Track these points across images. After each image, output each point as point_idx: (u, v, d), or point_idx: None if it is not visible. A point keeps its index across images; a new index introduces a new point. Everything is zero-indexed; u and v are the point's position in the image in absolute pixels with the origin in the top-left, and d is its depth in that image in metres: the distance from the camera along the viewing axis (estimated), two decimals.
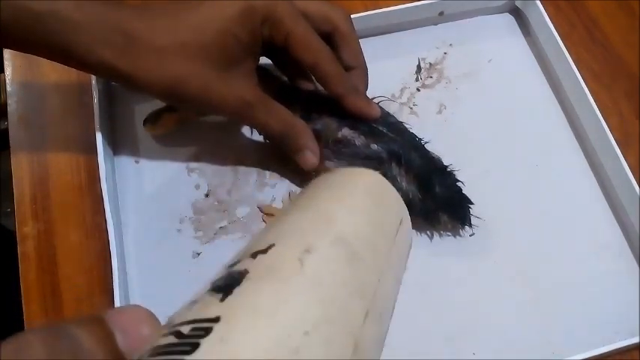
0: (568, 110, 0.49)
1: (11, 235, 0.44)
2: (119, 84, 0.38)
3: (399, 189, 0.41)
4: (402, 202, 0.30)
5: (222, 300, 0.19)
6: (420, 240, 0.44)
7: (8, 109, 0.48)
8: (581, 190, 0.46)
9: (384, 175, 0.40)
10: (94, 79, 0.45)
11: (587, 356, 0.38)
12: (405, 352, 0.40)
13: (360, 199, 0.28)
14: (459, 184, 0.42)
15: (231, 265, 0.22)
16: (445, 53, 0.52)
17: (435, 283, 0.42)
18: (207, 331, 0.17)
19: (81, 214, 0.44)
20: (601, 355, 0.38)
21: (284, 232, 0.24)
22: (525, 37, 0.53)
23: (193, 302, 0.20)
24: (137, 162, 0.46)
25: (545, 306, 0.41)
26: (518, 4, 0.53)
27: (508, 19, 0.54)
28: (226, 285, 0.20)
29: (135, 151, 0.46)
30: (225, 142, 0.47)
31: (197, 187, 0.45)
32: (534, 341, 0.40)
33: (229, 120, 0.47)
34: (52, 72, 0.50)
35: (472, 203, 0.42)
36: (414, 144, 0.42)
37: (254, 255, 0.22)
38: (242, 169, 0.46)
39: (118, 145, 0.46)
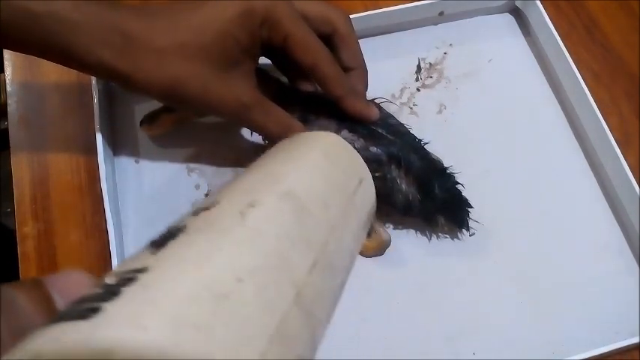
0: (568, 110, 0.49)
1: (11, 234, 0.44)
2: (118, 85, 0.38)
3: (398, 191, 0.41)
4: (363, 163, 0.31)
5: (154, 253, 0.19)
6: (419, 240, 0.44)
7: (8, 109, 0.48)
8: (581, 190, 0.46)
9: (384, 177, 0.41)
10: (94, 79, 0.45)
11: (587, 356, 0.38)
12: (405, 352, 0.40)
13: (314, 159, 0.28)
14: (458, 186, 0.42)
15: (173, 224, 0.22)
16: (445, 53, 0.52)
17: (435, 283, 0.42)
18: (131, 280, 0.17)
19: (81, 214, 0.44)
20: (601, 355, 0.38)
21: (231, 191, 0.24)
22: (525, 37, 0.53)
23: (128, 258, 0.20)
24: (137, 162, 0.46)
25: (545, 306, 0.41)
26: (518, 4, 0.53)
27: (508, 19, 0.54)
28: (162, 239, 0.20)
29: (135, 151, 0.46)
30: (225, 142, 0.47)
31: (197, 187, 0.45)
32: (534, 341, 0.40)
33: (228, 120, 0.47)
34: (52, 72, 0.50)
35: (471, 207, 0.42)
36: (414, 145, 0.42)
37: (196, 212, 0.22)
38: (242, 169, 0.46)
39: (118, 145, 0.46)
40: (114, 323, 0.16)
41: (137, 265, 0.18)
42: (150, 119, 0.45)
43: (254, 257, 0.20)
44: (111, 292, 0.17)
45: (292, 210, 0.24)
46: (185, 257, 0.19)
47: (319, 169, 0.28)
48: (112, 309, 0.16)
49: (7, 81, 0.49)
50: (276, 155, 0.29)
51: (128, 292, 0.17)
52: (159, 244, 0.20)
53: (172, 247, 0.20)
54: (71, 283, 0.18)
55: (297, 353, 0.21)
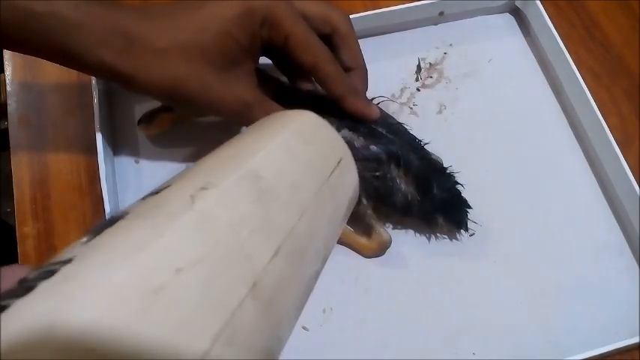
0: (568, 110, 0.49)
1: (12, 230, 0.44)
2: (119, 85, 0.38)
3: (397, 190, 0.41)
4: (343, 143, 0.29)
5: (87, 242, 0.18)
6: (419, 240, 0.44)
7: (8, 109, 0.48)
8: (581, 190, 0.46)
9: (384, 176, 0.41)
10: (94, 79, 0.45)
11: (587, 356, 0.38)
12: (405, 352, 0.40)
13: (285, 138, 0.26)
14: (458, 186, 0.42)
15: (118, 211, 0.20)
16: (445, 53, 0.52)
17: (435, 283, 0.42)
18: (51, 273, 0.16)
19: (81, 214, 0.44)
20: (601, 355, 0.38)
21: (187, 174, 0.23)
22: (525, 37, 0.53)
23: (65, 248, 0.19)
24: (137, 162, 0.46)
25: (545, 306, 0.41)
26: (518, 4, 0.53)
27: (508, 19, 0.54)
28: (100, 227, 0.19)
29: (135, 151, 0.46)
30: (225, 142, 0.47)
31: None
32: (534, 341, 0.40)
33: (229, 120, 0.47)
34: (52, 72, 0.50)
35: (470, 207, 0.42)
36: (414, 145, 0.42)
37: (144, 197, 0.21)
38: None
39: (118, 145, 0.46)
40: (15, 323, 0.14)
41: (64, 256, 0.17)
42: (148, 118, 0.45)
43: (201, 245, 0.19)
44: (25, 289, 0.15)
45: (253, 192, 0.22)
46: (115, 246, 0.18)
47: (290, 148, 0.26)
48: (19, 306, 0.15)
49: (7, 81, 0.49)
50: (246, 135, 0.27)
51: (43, 288, 0.15)
52: (96, 232, 0.18)
53: (106, 235, 0.18)
54: (10, 276, 0.17)
55: (254, 349, 0.19)
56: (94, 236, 0.18)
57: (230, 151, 0.25)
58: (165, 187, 0.21)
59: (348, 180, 0.29)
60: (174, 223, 0.19)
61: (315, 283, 0.26)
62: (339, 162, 0.28)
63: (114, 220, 0.19)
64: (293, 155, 0.26)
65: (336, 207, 0.27)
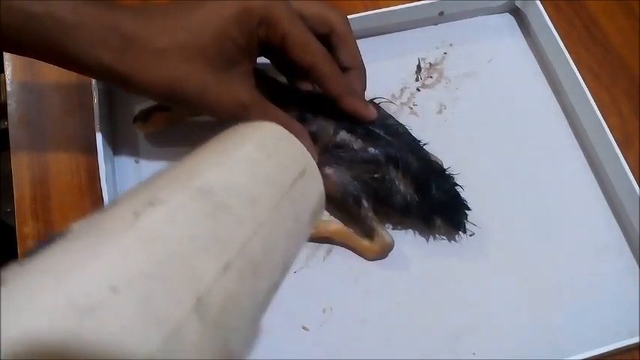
0: (568, 110, 0.49)
1: (12, 230, 0.44)
2: (117, 86, 0.38)
3: (396, 192, 0.41)
4: (307, 153, 0.29)
5: (21, 264, 0.18)
6: (420, 241, 0.44)
7: (8, 109, 0.48)
8: (581, 190, 0.46)
9: (382, 178, 0.41)
10: (93, 79, 0.45)
11: (587, 356, 0.38)
12: (406, 352, 0.40)
13: (244, 152, 0.26)
14: (457, 188, 0.42)
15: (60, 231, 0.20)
16: (445, 53, 0.52)
17: (435, 283, 0.42)
18: None
19: (81, 214, 0.44)
20: (601, 355, 0.38)
21: (138, 189, 0.22)
22: (525, 37, 0.53)
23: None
24: (137, 162, 0.46)
25: (545, 306, 0.41)
26: (518, 4, 0.53)
27: (508, 19, 0.54)
28: (37, 248, 0.18)
29: (135, 151, 0.46)
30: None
31: None
32: (534, 341, 0.40)
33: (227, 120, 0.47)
34: (52, 72, 0.49)
35: (469, 209, 0.42)
36: (412, 146, 0.42)
37: (91, 215, 0.20)
38: None
39: (118, 145, 0.46)
40: None
41: None
42: (143, 117, 0.45)
43: (141, 264, 0.18)
44: None
45: (204, 208, 0.22)
46: (49, 268, 0.17)
47: (247, 162, 0.26)
48: None
49: (7, 81, 0.49)
50: (205, 149, 0.27)
51: None
52: (32, 253, 0.18)
53: (42, 255, 0.18)
54: None
55: None
56: (30, 257, 0.18)
57: (185, 165, 0.25)
58: (114, 204, 0.21)
59: (312, 190, 0.28)
60: (112, 242, 0.19)
61: (273, 294, 0.25)
62: (301, 173, 0.28)
63: (53, 239, 0.19)
64: (252, 169, 0.25)
65: (297, 219, 0.27)
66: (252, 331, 0.23)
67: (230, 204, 0.23)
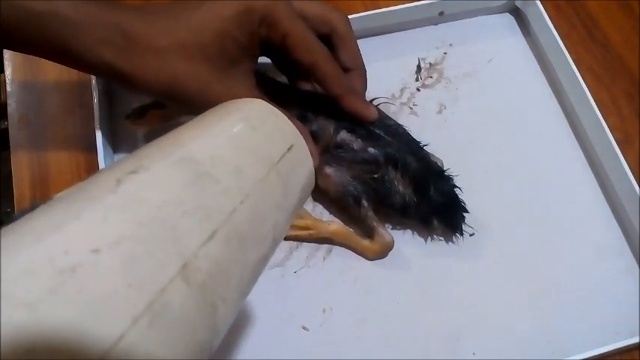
0: (568, 110, 0.49)
1: None
2: (118, 84, 0.38)
3: (395, 192, 0.41)
4: (295, 130, 0.29)
5: (5, 227, 0.18)
6: (420, 241, 0.44)
7: (8, 109, 0.48)
8: (581, 190, 0.46)
9: (381, 178, 0.41)
10: (94, 79, 0.45)
11: (587, 356, 0.38)
12: (405, 352, 0.40)
13: (229, 124, 0.27)
14: (456, 190, 0.42)
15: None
16: (445, 53, 0.52)
17: (435, 283, 0.42)
18: None
19: None
20: (601, 355, 0.38)
21: (122, 160, 0.23)
22: (525, 37, 0.53)
23: None
24: None
25: (545, 306, 0.41)
26: (518, 4, 0.53)
27: (508, 19, 0.54)
28: (21, 213, 0.19)
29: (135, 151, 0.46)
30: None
31: None
32: (534, 341, 0.40)
33: None
34: (52, 72, 0.50)
35: (467, 212, 0.42)
36: (412, 147, 0.42)
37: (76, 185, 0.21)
38: None
39: (117, 144, 0.46)
40: None
41: None
42: (137, 114, 0.45)
43: (123, 226, 0.19)
44: None
45: (189, 176, 0.22)
46: (29, 229, 0.18)
47: (233, 134, 0.26)
48: None
49: (7, 81, 0.49)
50: (191, 123, 0.27)
51: None
52: (16, 218, 0.19)
53: (24, 219, 0.18)
54: None
55: (184, 333, 0.19)
56: (14, 221, 0.18)
57: (171, 137, 0.25)
58: (95, 174, 0.21)
59: (301, 166, 0.29)
60: (93, 205, 0.19)
61: (262, 268, 0.25)
62: (289, 148, 0.28)
63: (37, 205, 0.19)
64: (237, 141, 0.26)
65: (286, 193, 0.27)
66: (237, 304, 0.23)
67: (215, 173, 0.23)
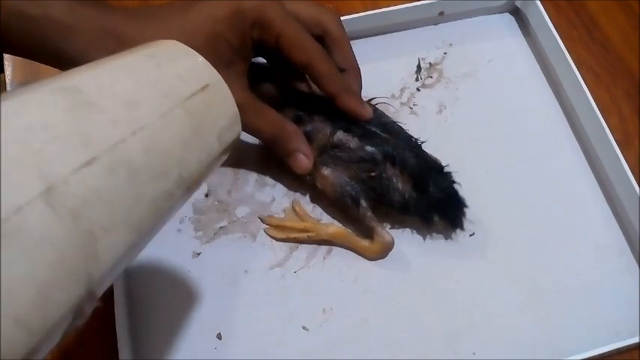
0: (568, 110, 0.49)
1: None
2: None
3: (394, 189, 0.41)
4: (213, 71, 0.29)
5: None
6: (419, 240, 0.44)
7: None
8: (581, 190, 0.46)
9: (379, 176, 0.41)
10: None
11: (587, 356, 0.38)
12: (405, 352, 0.40)
13: (130, 59, 0.27)
14: (455, 185, 0.42)
15: None
16: (445, 53, 0.52)
17: (435, 283, 0.42)
18: None
19: None
20: (601, 355, 0.38)
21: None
22: (525, 37, 0.53)
23: None
24: None
25: (545, 306, 0.41)
26: (518, 4, 0.53)
27: (508, 19, 0.54)
28: None
29: None
30: None
31: None
32: (534, 341, 0.40)
33: None
34: (52, 72, 0.49)
35: (466, 206, 0.42)
36: (409, 144, 0.42)
37: None
38: (242, 169, 0.46)
39: None
40: None
41: None
42: None
43: None
44: None
45: (66, 104, 0.22)
46: None
47: (131, 68, 0.26)
48: None
49: (7, 81, 0.49)
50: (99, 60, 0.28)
51: None
52: None
53: None
54: None
55: (45, 254, 0.19)
56: None
57: (66, 74, 0.26)
58: None
59: (218, 106, 0.29)
60: None
61: (167, 205, 0.25)
62: (203, 87, 0.28)
63: None
64: (135, 75, 0.26)
65: (196, 131, 0.27)
66: (134, 236, 0.23)
67: (100, 103, 0.23)
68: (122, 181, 0.22)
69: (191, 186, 0.27)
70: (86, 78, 0.24)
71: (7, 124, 0.20)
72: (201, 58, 0.29)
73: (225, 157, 0.31)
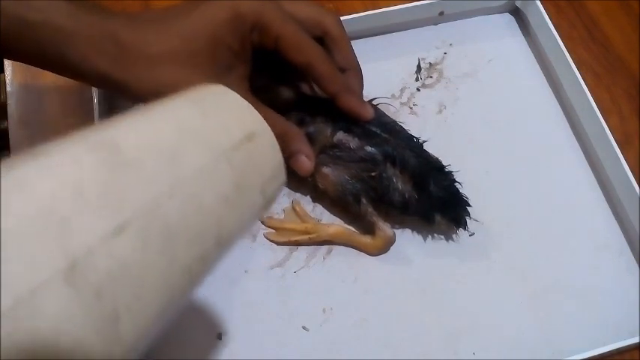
0: (568, 110, 0.49)
1: None
2: (114, 92, 0.38)
3: (395, 189, 0.41)
4: (259, 118, 0.27)
5: None
6: (420, 240, 0.44)
7: (8, 109, 0.48)
8: (581, 190, 0.46)
9: (380, 176, 0.41)
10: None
11: (587, 356, 0.38)
12: (405, 352, 0.40)
13: (172, 107, 0.25)
14: (456, 184, 0.42)
15: None
16: (445, 53, 0.52)
17: (435, 283, 0.42)
18: None
19: None
20: (601, 355, 0.38)
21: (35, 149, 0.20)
22: (525, 37, 0.53)
23: None
24: None
25: (545, 306, 0.41)
26: (518, 4, 0.53)
27: (508, 19, 0.54)
28: None
29: None
30: None
31: None
32: (534, 341, 0.40)
33: None
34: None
35: (469, 205, 0.42)
36: (409, 144, 0.42)
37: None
38: None
39: None
40: None
41: None
42: None
43: (6, 216, 0.17)
44: None
45: (102, 163, 0.20)
46: None
47: (174, 118, 0.24)
48: None
49: (7, 81, 0.49)
50: (138, 109, 0.25)
51: None
52: None
53: None
54: None
55: (59, 342, 0.17)
56: None
57: (104, 122, 0.23)
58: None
59: (264, 157, 0.27)
60: None
61: (203, 269, 0.22)
62: (248, 136, 0.26)
63: None
64: (178, 125, 0.24)
65: (238, 186, 0.24)
66: (160, 311, 0.20)
67: (140, 161, 0.21)
68: (154, 249, 0.20)
69: (230, 246, 0.25)
70: (124, 130, 0.22)
71: (32, 189, 0.18)
72: (248, 105, 0.27)
73: (267, 210, 0.28)
